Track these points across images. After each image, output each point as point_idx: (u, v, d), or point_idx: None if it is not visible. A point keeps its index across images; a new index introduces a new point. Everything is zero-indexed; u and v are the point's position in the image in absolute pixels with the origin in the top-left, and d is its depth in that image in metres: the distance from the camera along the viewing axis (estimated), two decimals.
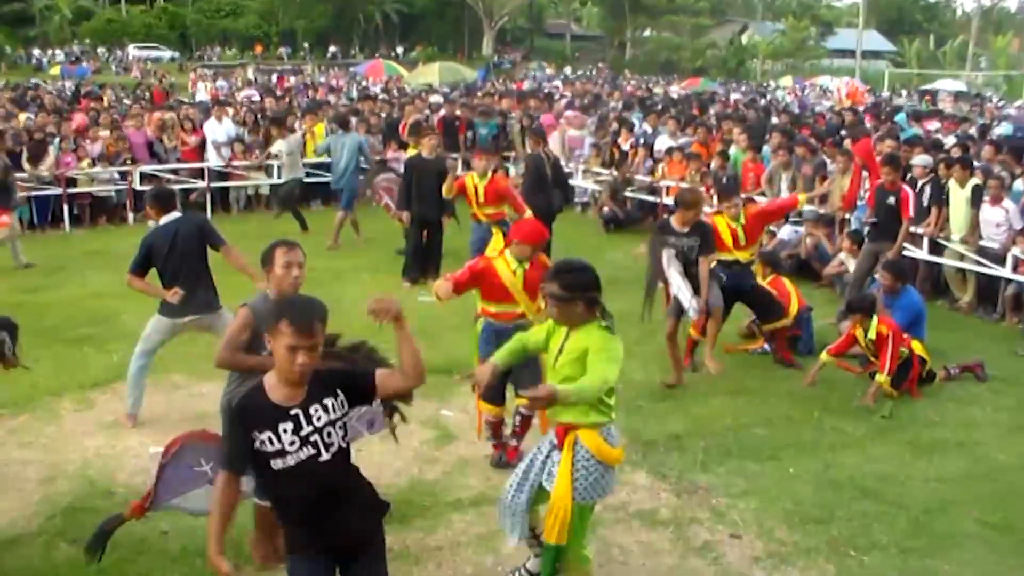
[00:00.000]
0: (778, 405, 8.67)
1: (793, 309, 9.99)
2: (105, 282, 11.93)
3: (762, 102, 32.44)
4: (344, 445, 4.11)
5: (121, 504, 6.47)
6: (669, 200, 16.17)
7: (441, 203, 12.27)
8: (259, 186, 18.46)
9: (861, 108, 28.67)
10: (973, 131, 20.96)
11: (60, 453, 7.43)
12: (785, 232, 13.65)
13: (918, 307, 10.05)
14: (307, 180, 17.28)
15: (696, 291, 8.77)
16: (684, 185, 16.24)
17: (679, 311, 8.97)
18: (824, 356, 9.12)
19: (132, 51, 67.50)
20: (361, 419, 5.52)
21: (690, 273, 8.83)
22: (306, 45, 72.89)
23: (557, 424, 5.12)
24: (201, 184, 17.73)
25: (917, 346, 9.11)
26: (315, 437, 4.00)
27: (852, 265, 11.91)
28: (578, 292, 4.97)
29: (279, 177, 17.75)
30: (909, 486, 7.07)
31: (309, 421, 3.99)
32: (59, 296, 12.06)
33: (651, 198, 17.06)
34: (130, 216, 16.87)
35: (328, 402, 4.05)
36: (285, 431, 3.96)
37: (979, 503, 6.80)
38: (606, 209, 17.11)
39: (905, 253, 11.73)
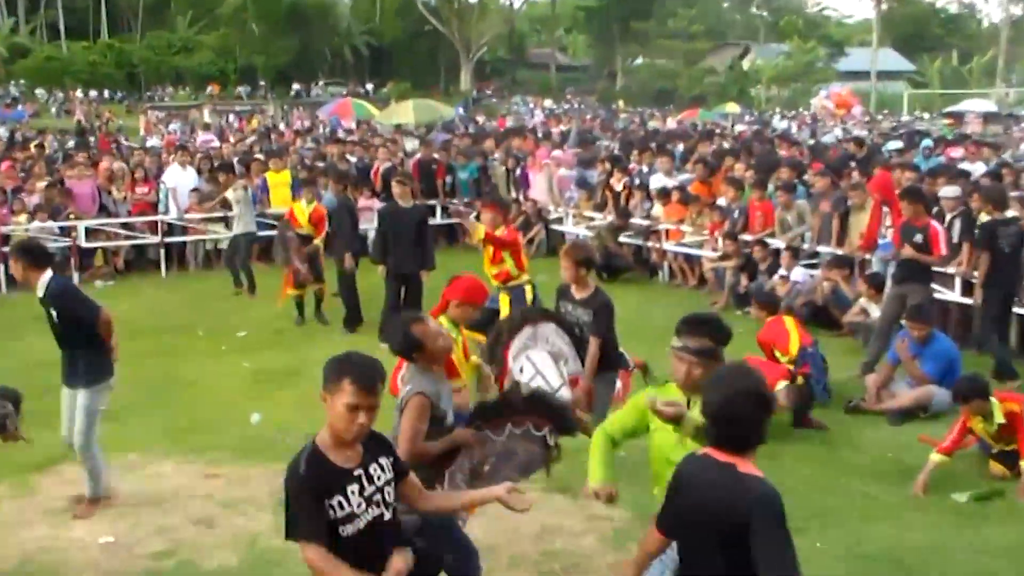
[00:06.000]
0: (797, 469, 8.53)
1: (794, 348, 9.88)
2: (49, 349, 11.71)
3: (769, 133, 32.46)
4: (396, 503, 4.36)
5: None
6: (668, 245, 16.21)
7: (420, 255, 12.27)
8: (218, 240, 18.16)
9: (855, 111, 28.64)
10: (1007, 156, 20.84)
11: None
12: (798, 275, 13.53)
13: (951, 354, 10.06)
14: None
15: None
16: (685, 228, 16.21)
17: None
18: (936, 457, 8.19)
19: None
20: (516, 467, 5.41)
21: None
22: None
23: None
24: (155, 239, 17.66)
25: None
26: (378, 496, 4.23)
27: (874, 311, 11.84)
28: (721, 347, 4.63)
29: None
30: (950, 559, 6.96)
31: (371, 481, 4.21)
32: None
33: (649, 243, 16.99)
34: (75, 275, 16.73)
35: (383, 461, 4.29)
36: (352, 493, 4.13)
37: None
38: (597, 256, 16.98)
39: (935, 296, 11.64)
